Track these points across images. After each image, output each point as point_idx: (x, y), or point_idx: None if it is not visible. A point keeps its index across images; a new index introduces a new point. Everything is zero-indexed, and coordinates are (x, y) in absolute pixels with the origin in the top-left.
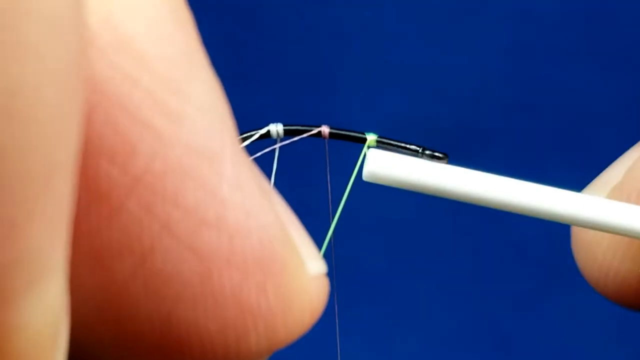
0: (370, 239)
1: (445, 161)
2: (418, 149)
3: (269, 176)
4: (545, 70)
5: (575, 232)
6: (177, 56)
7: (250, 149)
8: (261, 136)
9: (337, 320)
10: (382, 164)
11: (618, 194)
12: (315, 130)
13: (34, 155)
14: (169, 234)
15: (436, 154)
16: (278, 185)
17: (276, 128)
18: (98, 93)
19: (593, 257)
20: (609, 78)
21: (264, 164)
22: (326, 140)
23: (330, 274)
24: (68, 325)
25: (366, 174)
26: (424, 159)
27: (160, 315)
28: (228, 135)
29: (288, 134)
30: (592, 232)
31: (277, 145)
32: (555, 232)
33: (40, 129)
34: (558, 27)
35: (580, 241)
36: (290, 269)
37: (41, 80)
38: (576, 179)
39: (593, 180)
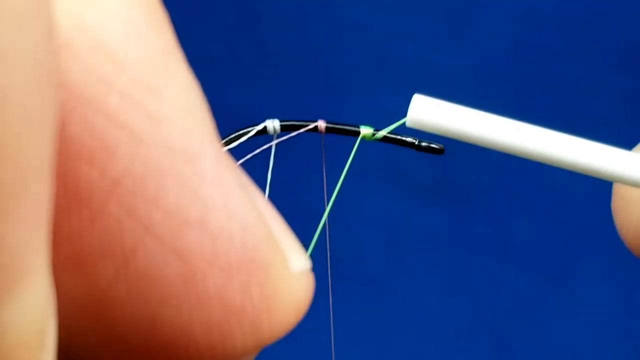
0: (367, 235)
1: (442, 153)
2: (414, 141)
3: (266, 172)
4: (545, 70)
5: (615, 192)
6: (153, 57)
7: (247, 145)
8: (258, 132)
9: (331, 317)
10: (425, 110)
11: None
12: (311, 125)
13: (6, 159)
14: (151, 236)
15: (432, 145)
16: (275, 181)
17: (273, 124)
18: (74, 96)
19: (629, 217)
20: (609, 78)
21: (261, 159)
22: (322, 134)
23: (325, 269)
24: (55, 326)
25: (410, 120)
26: (421, 150)
27: (145, 317)
28: (207, 135)
29: (285, 129)
30: (630, 193)
31: (274, 142)
32: (555, 232)
33: (11, 132)
34: (558, 27)
35: (618, 202)
36: (274, 268)
37: (8, 82)
38: (576, 178)
39: None
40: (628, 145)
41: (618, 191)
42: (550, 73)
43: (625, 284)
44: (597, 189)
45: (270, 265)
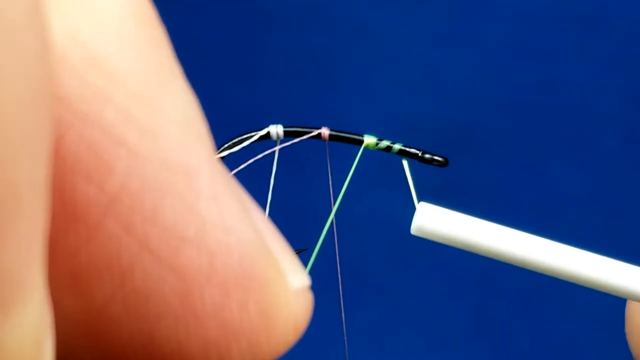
0: (370, 239)
1: (445, 165)
2: (418, 152)
3: (268, 177)
4: (545, 70)
5: (629, 315)
6: (148, 71)
7: (250, 150)
8: (261, 137)
9: (343, 318)
10: (431, 220)
11: None
12: (315, 132)
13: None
14: (149, 253)
15: (436, 157)
16: (278, 186)
17: (276, 129)
18: (70, 111)
19: None
20: (609, 78)
21: (264, 164)
22: (326, 142)
23: (332, 273)
24: (53, 343)
25: (414, 228)
26: (424, 162)
27: (142, 334)
28: (205, 150)
29: (288, 135)
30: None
31: (277, 147)
32: (555, 232)
33: (4, 151)
34: (558, 27)
35: (633, 325)
36: (272, 285)
37: (0, 99)
38: (576, 178)
39: None
40: (628, 145)
41: (631, 318)
42: (550, 73)
43: None
44: (598, 190)
45: (268, 282)
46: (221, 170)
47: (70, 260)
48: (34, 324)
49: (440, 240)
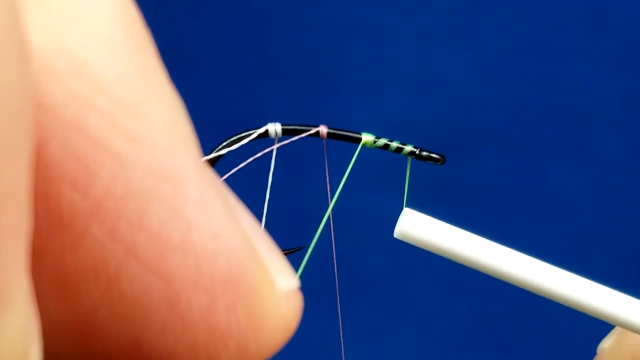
0: (368, 236)
1: (442, 162)
2: (415, 149)
3: (267, 175)
4: (545, 70)
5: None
6: (134, 77)
7: (249, 148)
8: (259, 135)
9: (339, 317)
10: (415, 225)
11: None
12: (313, 130)
13: None
14: (135, 259)
15: (433, 155)
16: (276, 184)
17: (274, 127)
18: (55, 119)
19: None
20: (609, 78)
21: (262, 163)
22: (324, 140)
23: (329, 272)
24: (40, 350)
25: (397, 232)
26: (421, 159)
27: (130, 340)
28: (191, 156)
29: (286, 133)
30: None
31: (275, 146)
32: (554, 231)
33: None
34: (558, 27)
35: None
36: (259, 289)
37: None
38: (575, 178)
39: None
40: (628, 145)
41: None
42: (550, 73)
43: (626, 283)
44: (596, 190)
45: (256, 286)
46: (208, 175)
47: (56, 266)
48: (20, 329)
49: (421, 246)
